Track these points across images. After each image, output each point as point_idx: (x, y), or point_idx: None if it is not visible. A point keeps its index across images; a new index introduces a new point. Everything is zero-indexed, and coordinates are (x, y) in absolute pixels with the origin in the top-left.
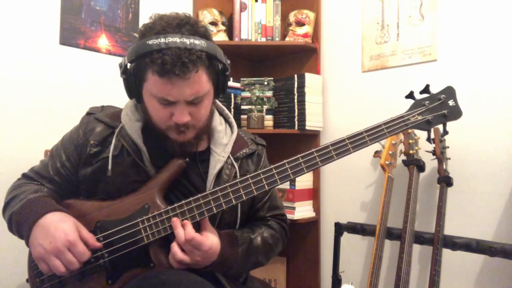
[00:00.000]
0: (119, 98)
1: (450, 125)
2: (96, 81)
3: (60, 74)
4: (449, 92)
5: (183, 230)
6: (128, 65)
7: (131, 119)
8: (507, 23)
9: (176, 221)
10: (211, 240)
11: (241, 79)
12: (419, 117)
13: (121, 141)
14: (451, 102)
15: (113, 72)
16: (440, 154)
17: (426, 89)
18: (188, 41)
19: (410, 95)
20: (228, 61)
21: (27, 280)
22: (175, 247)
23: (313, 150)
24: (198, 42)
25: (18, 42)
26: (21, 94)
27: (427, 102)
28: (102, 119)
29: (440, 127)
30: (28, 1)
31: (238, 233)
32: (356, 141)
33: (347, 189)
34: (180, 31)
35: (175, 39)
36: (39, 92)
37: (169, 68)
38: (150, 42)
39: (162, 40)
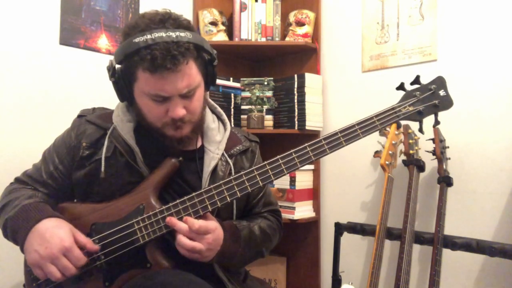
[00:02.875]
0: None
1: (450, 125)
2: (96, 81)
3: (60, 74)
4: (440, 82)
5: (184, 223)
6: (117, 67)
7: (122, 120)
8: (507, 23)
9: (171, 220)
10: (214, 223)
11: (241, 79)
12: (410, 108)
13: (114, 142)
14: (441, 92)
15: None
16: (440, 154)
17: (416, 80)
18: (174, 34)
19: (401, 87)
20: (215, 51)
21: (24, 286)
22: (182, 239)
23: (306, 144)
24: (184, 34)
25: (18, 42)
26: (21, 94)
27: (418, 92)
28: (93, 121)
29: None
30: (28, 1)
31: (236, 222)
32: (348, 134)
33: (347, 189)
34: (164, 25)
35: (161, 34)
36: (39, 92)
37: (160, 63)
38: (137, 40)
39: (148, 36)
